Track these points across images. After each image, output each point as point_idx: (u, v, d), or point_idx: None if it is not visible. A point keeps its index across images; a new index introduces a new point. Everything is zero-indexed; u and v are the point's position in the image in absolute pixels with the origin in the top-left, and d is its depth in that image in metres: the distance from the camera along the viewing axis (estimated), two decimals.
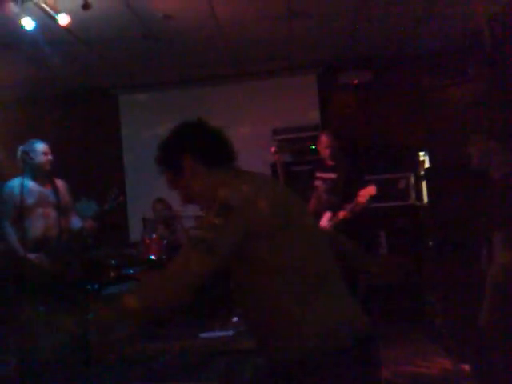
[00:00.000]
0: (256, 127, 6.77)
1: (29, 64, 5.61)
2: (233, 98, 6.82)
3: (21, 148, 3.96)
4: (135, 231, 6.57)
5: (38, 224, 3.83)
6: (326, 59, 6.49)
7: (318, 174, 4.97)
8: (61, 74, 6.09)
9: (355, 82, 6.62)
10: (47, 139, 4.23)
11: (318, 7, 4.95)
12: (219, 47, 5.79)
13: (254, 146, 6.53)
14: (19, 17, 4.05)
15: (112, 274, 5.47)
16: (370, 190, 4.56)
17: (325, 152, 4.96)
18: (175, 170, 1.90)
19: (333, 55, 6.34)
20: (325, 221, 4.72)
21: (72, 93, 6.86)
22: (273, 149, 5.28)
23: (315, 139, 5.33)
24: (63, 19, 4.18)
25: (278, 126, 6.58)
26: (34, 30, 4.23)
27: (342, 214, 4.62)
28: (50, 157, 4.00)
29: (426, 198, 6.00)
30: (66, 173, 4.33)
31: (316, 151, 5.41)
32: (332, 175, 4.86)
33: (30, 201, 3.81)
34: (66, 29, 4.67)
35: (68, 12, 4.22)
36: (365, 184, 4.67)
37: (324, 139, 4.98)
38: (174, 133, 1.94)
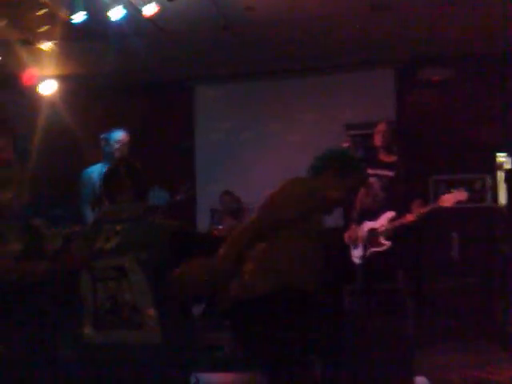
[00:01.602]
0: (329, 121, 6.69)
1: (113, 55, 5.80)
2: (307, 91, 6.77)
3: (102, 136, 4.11)
4: (203, 222, 6.59)
5: None
6: (406, 54, 6.33)
7: (371, 171, 4.65)
8: (142, 65, 6.26)
9: (436, 78, 6.43)
10: (126, 128, 4.37)
11: (401, 1, 4.85)
12: (298, 41, 5.76)
13: (326, 141, 6.47)
14: (108, 7, 4.19)
15: None
16: (460, 196, 4.15)
17: (377, 138, 4.75)
18: None
19: (413, 50, 6.18)
20: (384, 220, 4.52)
21: (151, 83, 7.00)
22: (346, 144, 5.15)
23: None
24: (149, 9, 4.26)
25: (352, 121, 6.44)
26: (120, 21, 4.37)
27: (409, 218, 4.28)
28: (122, 145, 4.12)
29: (503, 201, 5.80)
30: (141, 161, 4.46)
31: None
32: (388, 173, 4.63)
33: None
34: (149, 19, 4.79)
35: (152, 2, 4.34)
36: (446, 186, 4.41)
37: (380, 127, 4.79)
38: None
